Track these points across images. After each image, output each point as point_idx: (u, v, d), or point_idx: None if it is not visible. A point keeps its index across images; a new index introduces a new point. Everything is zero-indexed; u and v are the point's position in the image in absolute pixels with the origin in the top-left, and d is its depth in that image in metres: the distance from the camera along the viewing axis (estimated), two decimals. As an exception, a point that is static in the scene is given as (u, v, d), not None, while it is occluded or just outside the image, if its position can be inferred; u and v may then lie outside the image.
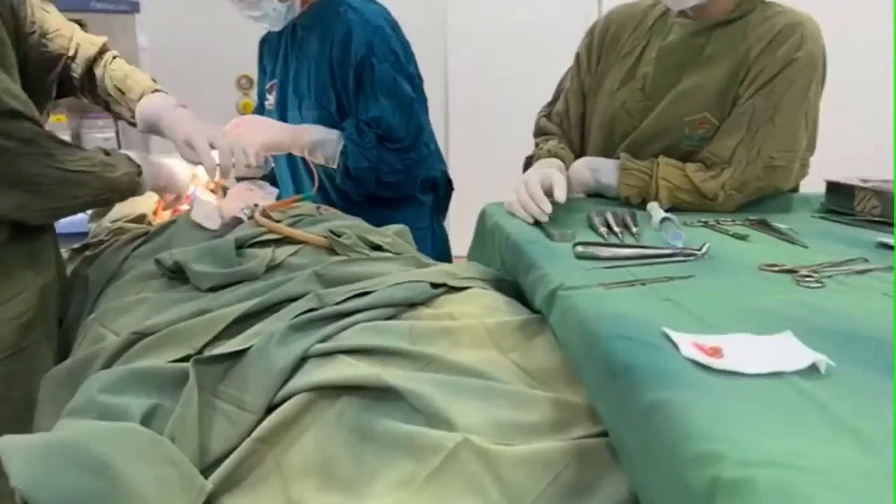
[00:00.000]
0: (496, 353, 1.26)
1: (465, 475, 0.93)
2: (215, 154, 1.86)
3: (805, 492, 0.63)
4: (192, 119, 1.90)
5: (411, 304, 1.39)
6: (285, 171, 2.51)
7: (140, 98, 1.94)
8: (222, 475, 1.03)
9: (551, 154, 2.06)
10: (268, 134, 2.19)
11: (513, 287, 1.56)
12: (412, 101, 2.25)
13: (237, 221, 1.84)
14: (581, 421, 1.05)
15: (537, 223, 1.74)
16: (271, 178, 2.44)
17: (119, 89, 1.94)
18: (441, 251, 2.50)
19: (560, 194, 1.76)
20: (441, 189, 2.58)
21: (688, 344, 0.98)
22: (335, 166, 2.25)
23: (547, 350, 1.26)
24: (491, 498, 0.90)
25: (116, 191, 1.75)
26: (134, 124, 1.98)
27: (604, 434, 0.99)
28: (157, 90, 1.97)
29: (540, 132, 2.29)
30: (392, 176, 2.26)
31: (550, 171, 1.84)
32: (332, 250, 1.67)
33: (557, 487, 0.91)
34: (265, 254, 1.60)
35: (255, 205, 1.89)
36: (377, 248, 1.72)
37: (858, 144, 4.36)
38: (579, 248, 1.53)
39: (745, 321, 1.10)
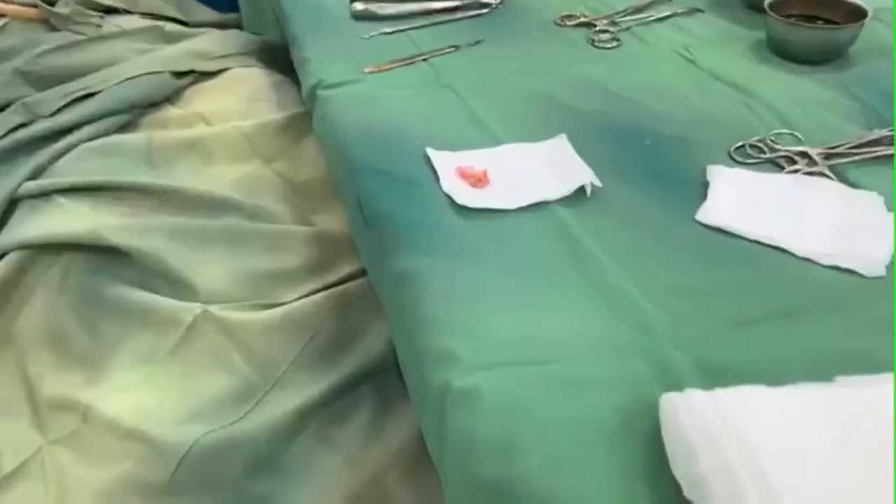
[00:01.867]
0: (258, 165, 1.09)
1: (209, 348, 0.84)
2: None
3: (528, 405, 0.58)
4: None
5: (152, 103, 1.14)
6: None
7: None
8: None
9: None
10: None
11: (288, 57, 1.31)
12: None
13: None
14: (345, 255, 0.94)
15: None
16: None
17: None
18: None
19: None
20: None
21: (451, 172, 0.85)
22: None
23: (317, 153, 1.10)
24: (239, 369, 0.83)
25: None
26: None
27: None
28: None
29: None
30: None
31: None
32: (48, 23, 1.30)
33: (315, 348, 0.85)
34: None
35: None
36: (110, 9, 1.36)
37: None
38: (357, 6, 1.27)
39: (528, 118, 0.98)
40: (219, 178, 1.04)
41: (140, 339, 0.86)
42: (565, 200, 0.82)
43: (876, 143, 0.90)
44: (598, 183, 0.83)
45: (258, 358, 0.83)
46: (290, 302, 0.88)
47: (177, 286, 0.87)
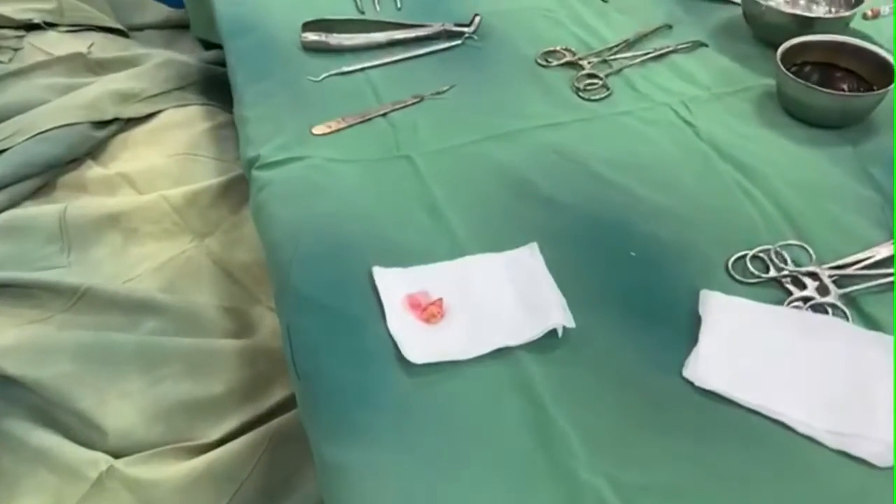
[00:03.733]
0: (189, 243, 0.96)
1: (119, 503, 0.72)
2: None
3: None
4: None
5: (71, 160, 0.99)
6: None
7: None
8: None
9: None
10: None
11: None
12: None
13: None
14: (282, 372, 0.82)
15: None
16: None
17: None
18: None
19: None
20: None
21: (400, 302, 0.73)
22: None
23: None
24: (154, 532, 0.72)
25: None
26: None
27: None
28: None
29: None
30: None
31: None
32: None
33: (240, 501, 0.73)
34: None
35: None
36: (31, 26, 1.19)
37: None
38: (308, 36, 1.10)
39: (496, 210, 0.84)
40: (142, 263, 0.90)
41: (44, 481, 0.75)
42: (532, 344, 0.70)
43: (890, 262, 0.78)
44: (570, 324, 0.70)
45: (174, 520, 0.72)
46: (213, 445, 0.76)
47: (84, 422, 0.76)
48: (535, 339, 0.69)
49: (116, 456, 0.75)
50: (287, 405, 0.81)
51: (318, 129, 0.96)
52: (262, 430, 0.78)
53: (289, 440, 0.77)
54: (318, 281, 0.74)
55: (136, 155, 1.02)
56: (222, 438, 0.78)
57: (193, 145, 1.07)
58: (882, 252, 0.79)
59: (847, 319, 0.72)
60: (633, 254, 0.79)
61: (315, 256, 0.76)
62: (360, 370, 0.67)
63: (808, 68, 1.03)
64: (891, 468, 0.61)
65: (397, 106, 1.01)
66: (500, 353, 0.69)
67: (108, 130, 1.01)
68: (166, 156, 1.03)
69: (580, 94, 1.03)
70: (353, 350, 0.69)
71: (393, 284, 0.74)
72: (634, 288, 0.76)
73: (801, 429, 0.64)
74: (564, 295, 0.73)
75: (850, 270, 0.77)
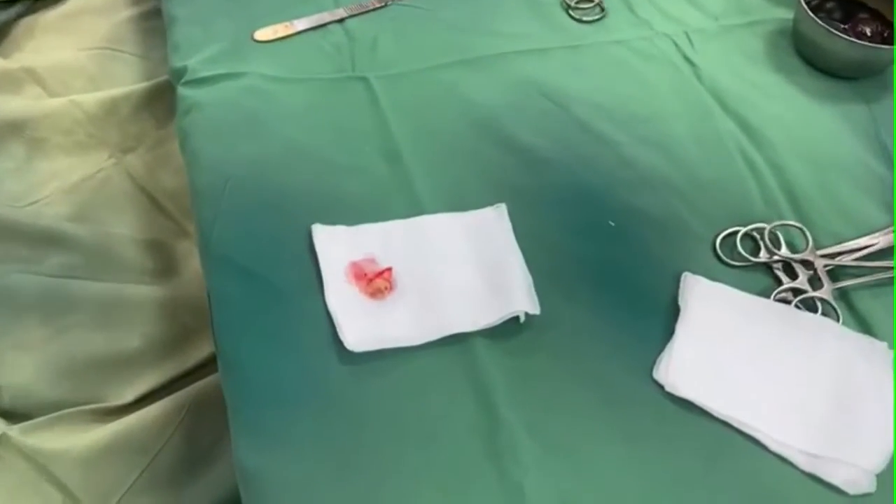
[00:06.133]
0: (105, 160, 0.82)
1: (12, 473, 0.65)
2: None
3: None
4: None
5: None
6: None
7: None
8: None
9: None
10: None
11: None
12: None
13: None
14: (207, 328, 0.73)
15: None
16: None
17: None
18: None
19: None
20: None
21: (342, 271, 0.63)
22: None
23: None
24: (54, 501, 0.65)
25: None
26: None
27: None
28: None
29: None
30: None
31: None
32: None
33: (154, 474, 0.67)
34: None
35: None
36: None
37: None
38: None
39: (458, 156, 0.73)
40: (50, 183, 0.76)
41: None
42: (489, 330, 0.61)
43: (889, 253, 0.70)
44: (535, 311, 0.62)
45: (77, 495, 0.64)
46: (125, 408, 0.68)
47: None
48: (493, 325, 0.61)
49: (11, 417, 0.66)
50: (212, 364, 0.72)
51: (261, 34, 0.82)
52: (182, 394, 0.70)
53: (212, 405, 0.69)
54: (246, 240, 0.63)
55: (45, 44, 0.86)
56: (136, 400, 0.69)
57: (115, 38, 0.91)
58: (883, 241, 0.71)
59: (838, 319, 0.65)
60: (611, 223, 0.70)
61: (245, 208, 0.65)
62: (287, 354, 0.58)
63: (830, 3, 0.90)
64: (863, 496, 0.57)
65: (357, 11, 0.86)
66: (452, 339, 0.61)
67: (12, 10, 0.84)
68: (81, 49, 0.87)
69: (570, 11, 0.89)
70: (282, 328, 0.59)
71: (335, 248, 0.64)
72: (609, 263, 0.67)
73: (773, 447, 0.59)
74: (530, 268, 0.64)
75: (846, 260, 0.69)
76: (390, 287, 0.63)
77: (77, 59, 0.88)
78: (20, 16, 0.88)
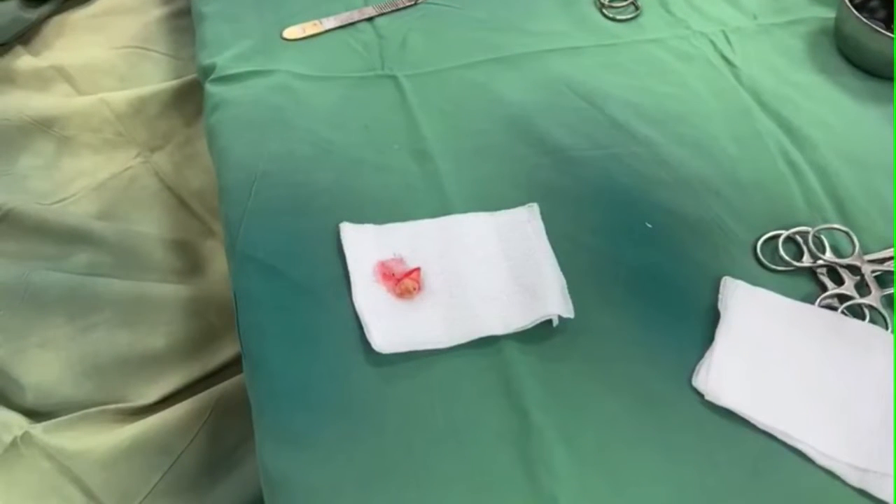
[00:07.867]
0: (133, 158, 0.82)
1: (36, 477, 0.64)
2: None
3: None
4: None
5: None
6: None
7: None
8: None
9: None
10: None
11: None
12: None
13: None
14: (227, 330, 0.72)
15: None
16: None
17: None
18: None
19: None
20: None
21: (370, 271, 0.61)
22: None
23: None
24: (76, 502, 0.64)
25: None
26: None
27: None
28: None
29: None
30: None
31: None
32: None
33: (176, 477, 0.65)
34: None
35: None
36: None
37: None
38: None
39: (490, 156, 0.71)
40: (77, 181, 0.76)
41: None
42: (521, 333, 0.59)
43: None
44: (569, 314, 0.60)
45: (99, 495, 0.63)
46: (149, 408, 0.67)
47: (3, 384, 0.66)
48: (525, 328, 0.59)
49: (34, 416, 0.66)
50: (237, 364, 0.71)
51: (289, 33, 0.81)
52: (206, 394, 0.69)
53: (237, 406, 0.68)
54: (273, 239, 0.62)
55: (75, 43, 0.86)
56: (160, 400, 0.68)
57: (144, 37, 0.90)
58: (933, 246, 0.68)
59: (886, 327, 0.62)
60: (648, 225, 0.68)
61: (272, 207, 0.64)
62: (313, 355, 0.57)
63: (873, 2, 0.87)
64: (916, 513, 0.54)
65: (387, 9, 0.85)
66: (483, 342, 0.59)
67: (43, 9, 0.84)
68: (111, 48, 0.87)
69: (604, 10, 0.88)
70: (308, 329, 0.58)
71: (363, 247, 0.62)
72: (645, 266, 0.65)
73: (820, 460, 0.56)
74: (563, 270, 0.62)
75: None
76: (419, 287, 0.61)
77: (107, 58, 0.88)
78: (50, 14, 0.89)
